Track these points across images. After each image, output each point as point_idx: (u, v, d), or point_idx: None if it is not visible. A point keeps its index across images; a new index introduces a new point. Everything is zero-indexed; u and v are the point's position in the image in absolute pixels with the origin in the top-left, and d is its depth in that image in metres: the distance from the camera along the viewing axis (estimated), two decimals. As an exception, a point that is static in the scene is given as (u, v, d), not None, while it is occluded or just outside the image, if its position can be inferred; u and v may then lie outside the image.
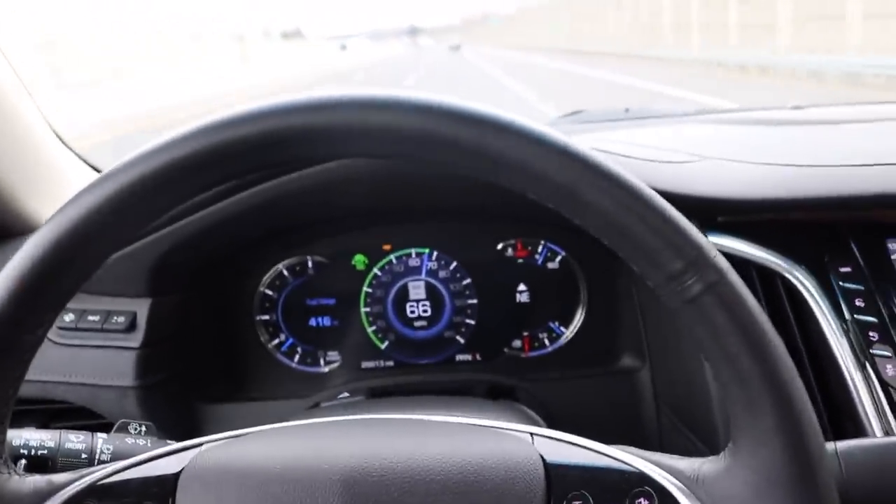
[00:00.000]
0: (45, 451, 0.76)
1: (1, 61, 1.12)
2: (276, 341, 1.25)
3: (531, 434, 0.62)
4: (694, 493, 0.55)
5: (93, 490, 0.59)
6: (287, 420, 0.68)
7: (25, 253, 0.52)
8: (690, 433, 1.05)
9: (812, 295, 0.90)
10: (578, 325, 1.23)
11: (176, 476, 0.59)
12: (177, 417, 1.14)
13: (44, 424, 1.09)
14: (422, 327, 1.24)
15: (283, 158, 0.53)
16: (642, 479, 0.57)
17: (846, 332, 0.87)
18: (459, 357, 1.24)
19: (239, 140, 0.51)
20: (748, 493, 0.52)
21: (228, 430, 0.65)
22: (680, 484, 0.56)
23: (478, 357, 1.24)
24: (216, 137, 0.51)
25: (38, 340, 0.55)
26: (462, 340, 1.24)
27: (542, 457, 0.58)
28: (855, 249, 0.92)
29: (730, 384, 0.51)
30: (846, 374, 0.86)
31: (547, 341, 1.24)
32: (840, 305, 0.89)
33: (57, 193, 1.20)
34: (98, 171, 1.31)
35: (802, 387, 0.51)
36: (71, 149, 1.29)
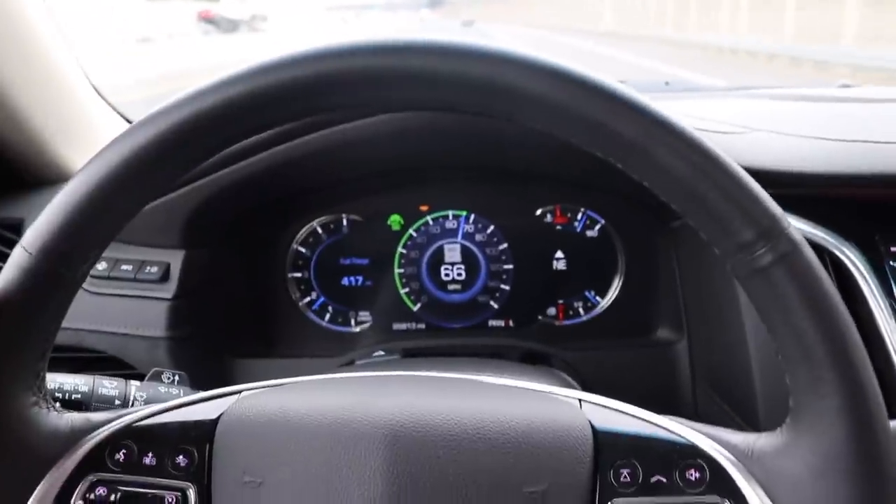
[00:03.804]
0: (79, 396, 0.76)
1: (41, 11, 1.11)
2: (308, 299, 1.24)
3: (580, 400, 0.60)
4: (747, 468, 0.54)
5: (130, 431, 0.59)
6: (331, 373, 0.68)
7: (72, 187, 0.52)
8: (728, 407, 1.04)
9: (861, 273, 0.87)
10: (615, 295, 1.22)
11: (214, 422, 0.59)
12: (206, 371, 1.14)
13: (75, 372, 1.10)
14: (455, 290, 1.23)
15: (361, 101, 0.52)
16: (693, 450, 0.55)
17: (895, 312, 0.85)
18: (492, 322, 1.23)
19: (309, 78, 0.50)
20: (806, 472, 0.51)
21: (272, 380, 0.65)
22: (733, 458, 0.54)
23: (511, 323, 1.23)
24: (272, 78, 0.51)
25: (81, 278, 0.55)
26: (496, 306, 1.23)
27: (590, 423, 0.57)
28: None
29: (795, 359, 0.50)
30: (893, 354, 0.83)
31: (582, 310, 1.23)
32: (890, 284, 0.87)
33: (91, 144, 1.20)
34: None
35: (871, 368, 0.49)
36: (107, 101, 1.29)
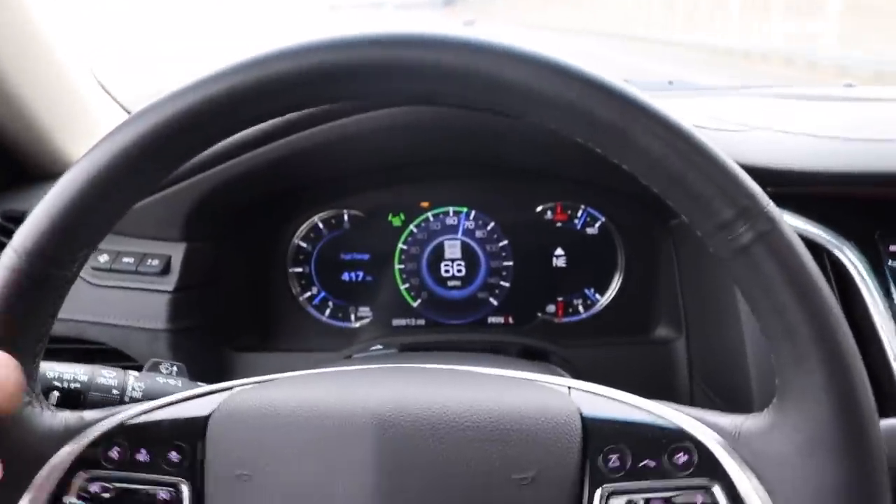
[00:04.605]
0: (78, 385, 0.77)
1: (44, 6, 1.12)
2: (308, 294, 1.25)
3: (569, 387, 0.61)
4: (735, 449, 0.54)
5: (123, 429, 0.59)
6: (322, 367, 0.68)
7: (60, 188, 0.52)
8: (725, 407, 1.04)
9: (859, 272, 0.87)
10: (614, 292, 1.22)
11: (206, 418, 0.59)
12: (206, 364, 1.14)
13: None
14: (455, 287, 1.23)
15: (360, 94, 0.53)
16: (681, 433, 0.56)
17: (893, 313, 0.85)
18: (492, 319, 1.24)
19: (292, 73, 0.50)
20: (792, 451, 0.51)
21: (264, 375, 0.65)
22: (720, 439, 0.55)
23: (510, 320, 1.24)
24: (251, 75, 0.51)
25: (72, 278, 0.55)
26: (495, 302, 1.23)
27: (579, 410, 0.57)
28: None
29: (778, 338, 0.50)
30: (890, 355, 0.84)
31: (581, 308, 1.23)
32: (888, 285, 0.87)
33: (95, 138, 1.20)
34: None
35: (854, 343, 0.49)
36: (111, 95, 1.30)
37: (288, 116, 0.97)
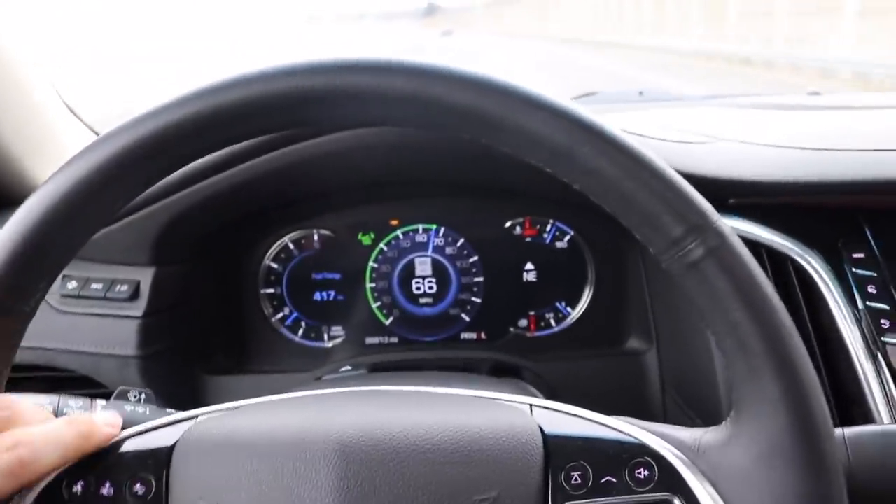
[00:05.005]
0: None
1: (6, 31, 1.11)
2: (281, 315, 1.24)
3: (530, 405, 0.61)
4: (694, 463, 0.54)
5: (86, 462, 0.58)
6: (287, 392, 0.68)
7: (20, 217, 0.51)
8: (697, 417, 1.04)
9: (824, 280, 0.88)
10: (585, 305, 1.22)
11: (171, 448, 0.58)
12: (178, 388, 1.14)
13: (46, 392, 1.09)
14: (427, 304, 1.23)
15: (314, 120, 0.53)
16: (642, 449, 0.55)
17: (858, 320, 0.86)
18: (464, 335, 1.24)
19: (272, 96, 0.51)
20: (749, 463, 0.51)
21: (229, 402, 0.64)
22: (680, 454, 0.55)
23: (483, 335, 1.24)
24: (224, 97, 0.51)
25: (32, 311, 0.54)
26: (467, 318, 1.23)
27: (540, 428, 0.57)
28: (869, 235, 0.91)
29: (732, 352, 0.50)
30: (856, 361, 0.84)
31: (553, 321, 1.23)
32: (852, 292, 0.88)
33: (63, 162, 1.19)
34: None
35: (806, 355, 0.50)
36: (81, 119, 1.29)
37: (256, 139, 0.97)
